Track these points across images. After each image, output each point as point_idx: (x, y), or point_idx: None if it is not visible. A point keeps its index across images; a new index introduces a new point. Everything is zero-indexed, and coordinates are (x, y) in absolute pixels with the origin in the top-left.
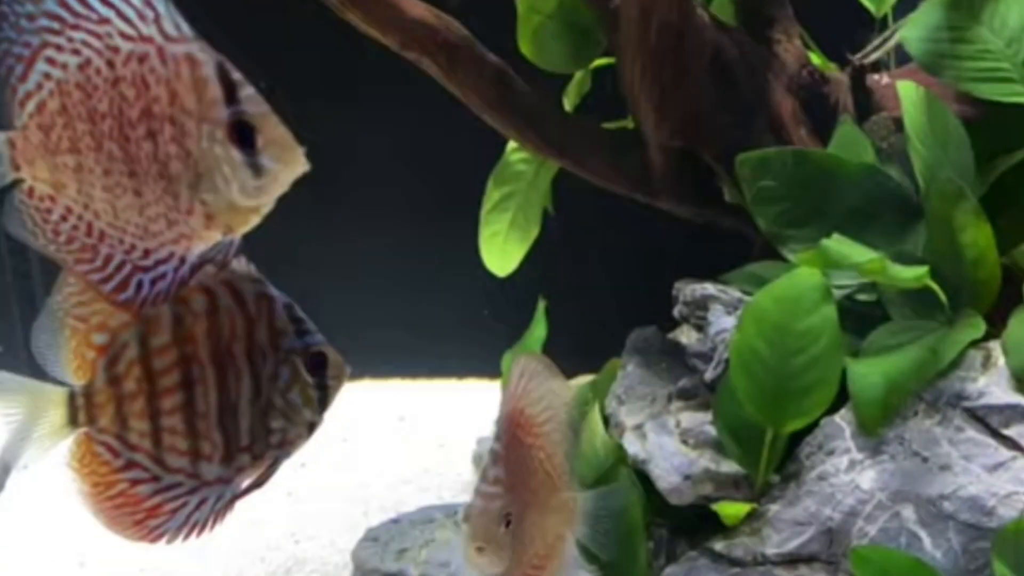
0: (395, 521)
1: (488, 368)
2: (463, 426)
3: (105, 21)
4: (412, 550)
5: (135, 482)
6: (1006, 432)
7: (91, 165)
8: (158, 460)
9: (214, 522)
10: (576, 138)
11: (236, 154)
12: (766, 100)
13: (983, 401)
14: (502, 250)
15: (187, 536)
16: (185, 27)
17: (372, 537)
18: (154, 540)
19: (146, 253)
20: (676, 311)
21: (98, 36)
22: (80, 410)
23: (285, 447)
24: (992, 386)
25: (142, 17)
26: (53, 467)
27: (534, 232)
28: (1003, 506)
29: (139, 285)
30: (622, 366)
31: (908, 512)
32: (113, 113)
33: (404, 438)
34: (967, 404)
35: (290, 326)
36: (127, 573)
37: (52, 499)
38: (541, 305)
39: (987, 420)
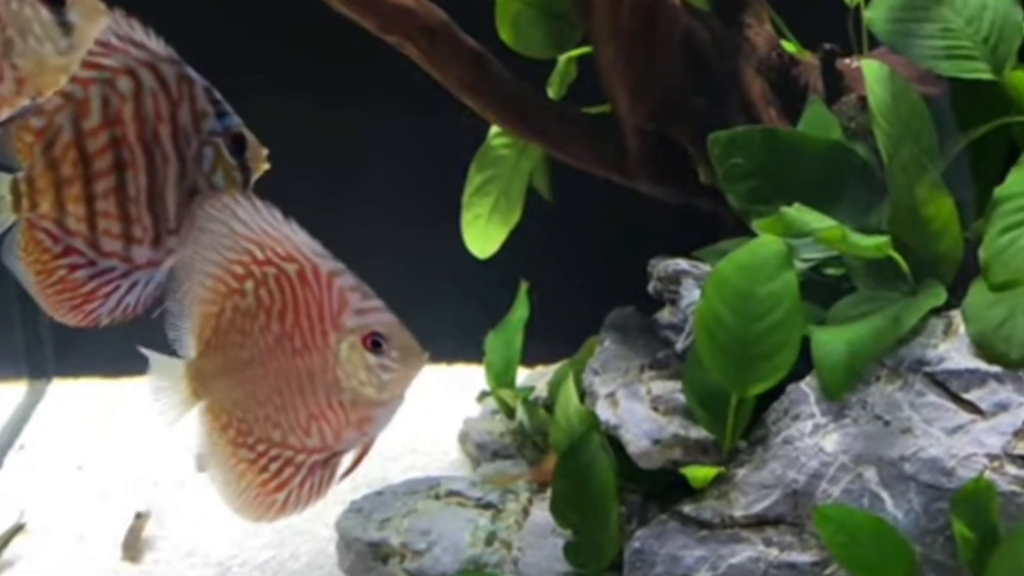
0: (379, 493)
1: (471, 352)
2: (448, 407)
3: None
4: (394, 520)
5: (73, 267)
6: (965, 396)
7: None
8: (93, 245)
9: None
10: (554, 121)
11: (46, 14)
12: (737, 82)
13: (943, 366)
14: (484, 233)
15: (118, 318)
16: None
17: (356, 508)
18: (90, 324)
19: None
20: (651, 287)
21: None
22: (23, 196)
23: None
24: (952, 352)
25: None
26: None
27: (516, 215)
28: (962, 467)
29: None
30: (600, 342)
31: (870, 474)
32: None
33: (393, 418)
34: (928, 369)
35: (210, 108)
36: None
37: None
38: (523, 287)
39: (947, 385)
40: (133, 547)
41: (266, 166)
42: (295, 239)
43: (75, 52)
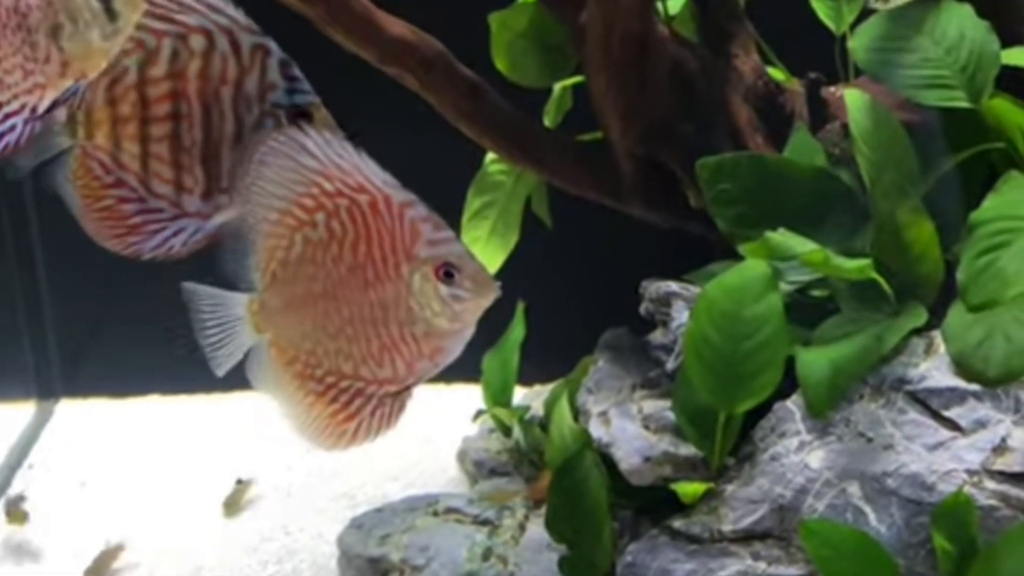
0: (379, 510)
1: (469, 372)
2: (448, 426)
3: None
4: (394, 536)
5: (122, 199)
6: (946, 413)
7: None
8: (145, 183)
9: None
10: (549, 148)
11: (95, 2)
12: (725, 109)
13: (924, 385)
14: (483, 256)
15: (160, 256)
16: None
17: (357, 524)
18: (132, 255)
19: None
20: (643, 308)
21: None
22: (80, 125)
23: None
24: (933, 371)
25: None
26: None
27: (514, 239)
28: (943, 482)
29: None
30: (594, 362)
31: (854, 489)
32: None
33: (391, 437)
34: (909, 388)
35: (282, 82)
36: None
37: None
38: (520, 308)
39: (928, 402)
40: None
41: None
42: (366, 170)
43: (118, 37)
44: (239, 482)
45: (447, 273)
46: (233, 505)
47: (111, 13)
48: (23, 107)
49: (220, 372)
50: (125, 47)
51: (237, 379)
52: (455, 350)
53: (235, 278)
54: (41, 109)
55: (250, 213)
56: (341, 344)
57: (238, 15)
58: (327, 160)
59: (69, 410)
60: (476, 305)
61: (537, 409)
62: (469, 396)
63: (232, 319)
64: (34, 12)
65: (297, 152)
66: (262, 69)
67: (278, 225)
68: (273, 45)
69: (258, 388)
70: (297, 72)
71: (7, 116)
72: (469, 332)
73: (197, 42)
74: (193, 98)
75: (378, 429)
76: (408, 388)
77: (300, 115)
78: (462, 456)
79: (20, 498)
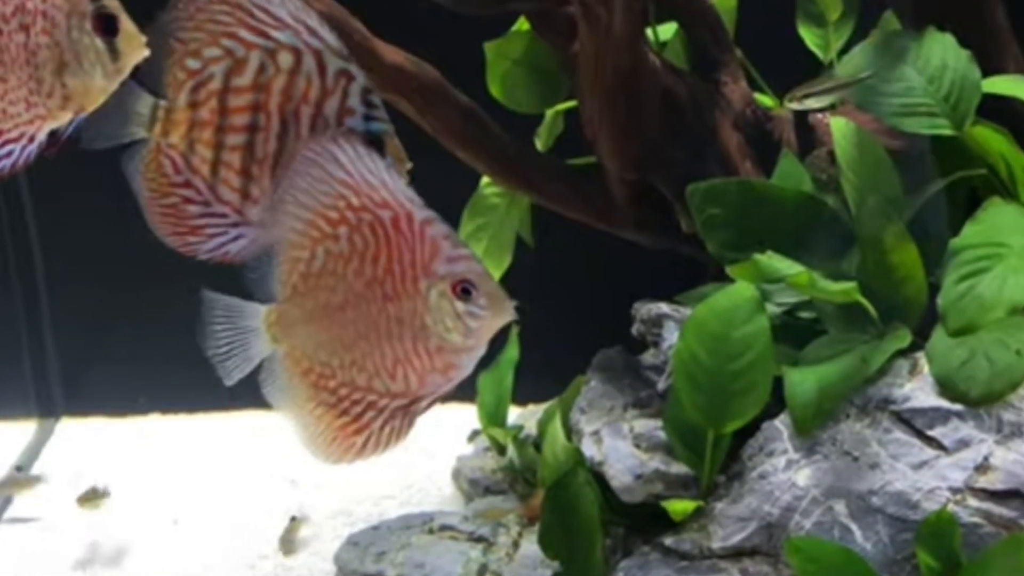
0: (375, 528)
1: (465, 392)
2: (443, 446)
3: None
4: (390, 553)
5: (187, 199)
6: (930, 433)
7: None
8: (212, 189)
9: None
10: (542, 172)
11: (100, 42)
12: (714, 136)
13: (909, 405)
14: None
15: (215, 259)
16: None
17: (353, 542)
18: (188, 253)
19: None
20: (634, 329)
21: None
22: (158, 121)
23: None
24: (917, 391)
25: None
26: None
27: (507, 260)
28: (927, 500)
29: None
30: (586, 382)
31: (840, 507)
32: None
33: (387, 456)
34: (894, 408)
35: (361, 108)
36: None
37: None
38: (514, 329)
39: (912, 422)
40: None
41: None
42: (392, 186)
43: (118, 76)
44: (293, 519)
45: (464, 290)
46: (288, 542)
47: (114, 54)
48: (22, 135)
49: (230, 382)
50: (214, 54)
51: (237, 398)
52: (468, 366)
53: (253, 288)
54: (39, 138)
55: (279, 223)
56: (356, 356)
57: (330, 38)
58: (356, 174)
59: (70, 428)
60: (491, 323)
61: (531, 428)
62: (463, 416)
63: (247, 329)
64: (43, 51)
65: (329, 163)
66: (344, 93)
67: (303, 236)
68: (357, 71)
69: (271, 399)
70: (377, 100)
71: (6, 142)
72: (482, 349)
73: (285, 59)
74: (273, 113)
75: (386, 443)
76: (418, 402)
77: (373, 143)
78: (457, 475)
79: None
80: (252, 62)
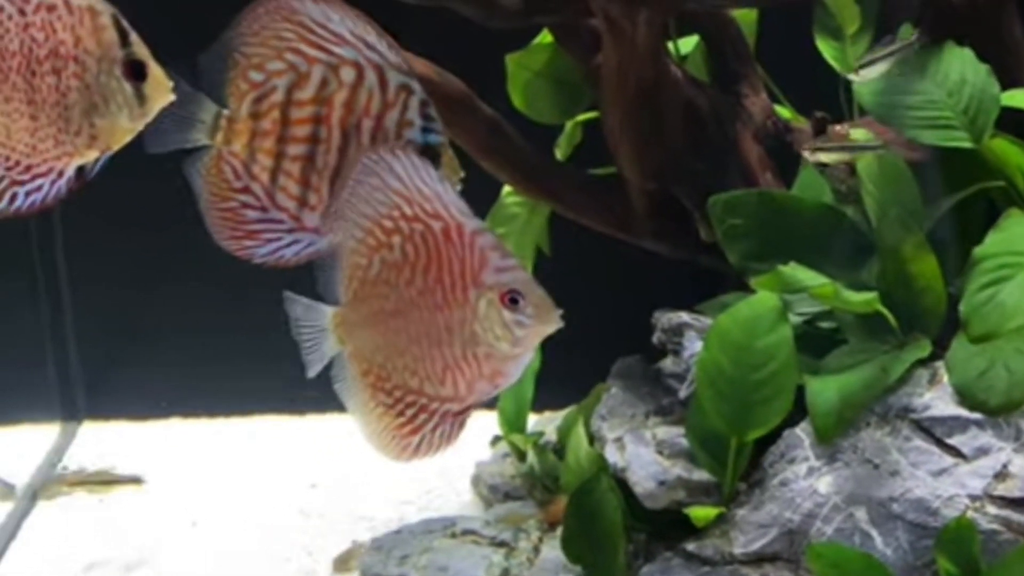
0: (398, 532)
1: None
2: (463, 452)
3: None
4: (413, 556)
5: (246, 205)
6: (949, 441)
7: None
8: (270, 195)
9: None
10: (564, 183)
11: (128, 87)
12: (735, 147)
13: (928, 413)
14: None
15: (270, 263)
16: None
17: (376, 546)
18: (244, 257)
19: (27, 169)
20: (655, 338)
21: None
22: (220, 130)
23: None
24: (937, 400)
25: None
26: None
27: (527, 269)
28: (946, 507)
29: (13, 197)
30: (607, 390)
31: (861, 513)
32: (23, 52)
33: (408, 463)
34: (914, 416)
35: (419, 121)
36: None
37: None
38: None
39: (932, 431)
40: None
41: (456, 186)
42: (445, 197)
43: (143, 119)
44: (354, 543)
45: (512, 300)
46: (343, 562)
47: (141, 98)
48: (50, 170)
49: (311, 373)
50: (277, 67)
51: (257, 402)
52: (515, 374)
53: (325, 292)
54: (68, 174)
55: (342, 229)
56: (408, 361)
57: (390, 53)
58: (411, 185)
59: (92, 431)
60: (538, 331)
61: (550, 435)
62: (481, 422)
63: (320, 328)
64: (73, 92)
65: (386, 173)
66: (403, 107)
67: (362, 244)
68: (416, 85)
69: (340, 397)
70: (434, 113)
71: (35, 176)
72: (529, 357)
73: (347, 74)
74: (334, 125)
75: (439, 445)
76: (469, 408)
77: (430, 154)
78: (476, 480)
79: None
80: (314, 76)
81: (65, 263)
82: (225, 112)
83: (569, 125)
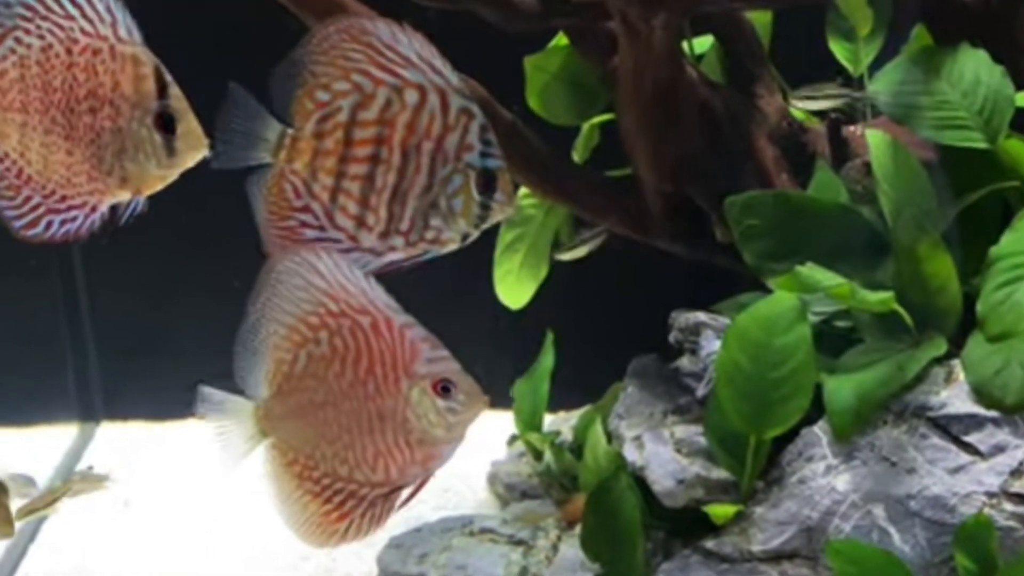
0: (417, 530)
1: (499, 399)
2: (479, 451)
3: (70, 18)
4: (432, 555)
5: (304, 224)
6: (966, 439)
7: (35, 124)
8: (328, 215)
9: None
10: (580, 184)
11: (158, 137)
12: (750, 148)
13: (945, 411)
14: (515, 287)
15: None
16: (136, 33)
17: (395, 544)
18: None
19: (63, 199)
20: (672, 337)
21: (62, 28)
22: (284, 148)
23: (436, 244)
24: (953, 398)
25: (101, 20)
26: None
27: (544, 270)
28: (963, 504)
29: (48, 224)
30: (623, 388)
31: (879, 511)
32: (64, 89)
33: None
34: (931, 414)
35: (478, 145)
36: None
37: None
38: (549, 337)
39: (949, 428)
40: None
41: (510, 211)
42: (371, 293)
43: (173, 170)
44: None
45: (444, 388)
46: None
47: (171, 150)
48: (84, 204)
49: (228, 472)
50: (343, 88)
51: None
52: (447, 457)
53: (243, 385)
54: (101, 209)
55: (262, 327)
56: (339, 449)
57: (453, 78)
58: (335, 282)
59: (110, 432)
60: (469, 417)
61: (566, 434)
62: (497, 422)
63: (240, 422)
64: (106, 134)
65: (309, 272)
66: (464, 130)
67: (286, 340)
68: (477, 109)
69: (264, 485)
70: (492, 138)
71: (70, 207)
72: (461, 440)
73: (411, 96)
74: (395, 146)
75: (367, 529)
76: (397, 491)
77: (486, 178)
78: (493, 479)
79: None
80: (379, 97)
81: (83, 266)
82: (290, 131)
83: (586, 127)
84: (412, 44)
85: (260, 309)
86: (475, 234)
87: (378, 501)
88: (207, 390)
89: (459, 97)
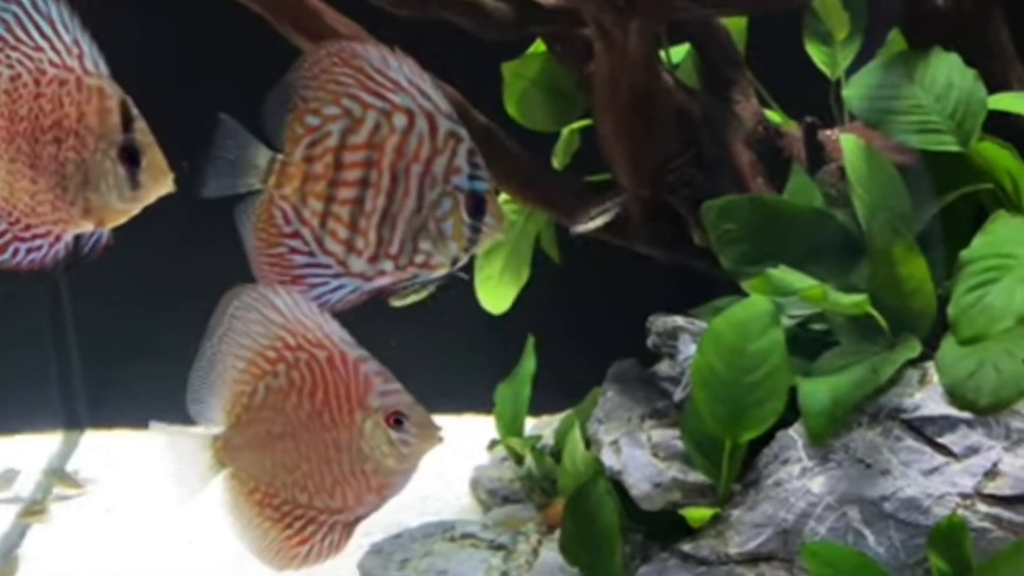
0: (397, 536)
1: (480, 403)
2: (460, 457)
3: (39, 49)
4: (413, 560)
5: (294, 250)
6: (940, 440)
7: (0, 152)
8: (318, 240)
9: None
10: (559, 190)
11: (122, 170)
12: (727, 153)
13: (919, 413)
14: (496, 292)
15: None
16: (103, 65)
17: (376, 549)
18: None
19: (27, 227)
20: (649, 341)
21: (31, 59)
22: (273, 174)
23: (425, 268)
24: (927, 400)
25: (69, 51)
26: None
27: (525, 275)
28: (937, 506)
29: (15, 251)
30: (603, 393)
31: (853, 513)
32: (30, 118)
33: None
34: (905, 416)
35: (466, 167)
36: None
37: None
38: (530, 341)
39: (923, 430)
40: None
41: (499, 236)
42: (326, 328)
43: (137, 203)
44: None
45: (397, 420)
46: None
47: (134, 183)
48: (49, 233)
49: (183, 505)
50: (333, 112)
51: None
52: (401, 486)
53: (198, 416)
54: (65, 239)
55: (219, 360)
56: (297, 478)
57: (442, 102)
58: (292, 317)
59: (95, 440)
60: (421, 448)
61: (548, 438)
62: (478, 427)
63: (196, 454)
64: (70, 165)
65: (266, 308)
66: (452, 153)
67: (244, 373)
68: (464, 133)
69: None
70: (480, 161)
71: (35, 236)
72: (414, 471)
73: (399, 120)
74: (384, 170)
75: (328, 553)
76: (356, 518)
77: (475, 201)
78: (474, 484)
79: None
80: (368, 121)
81: (67, 274)
82: (279, 156)
83: (565, 133)
84: (402, 68)
85: (216, 344)
86: (464, 258)
87: (337, 527)
88: (159, 425)
89: (447, 121)
